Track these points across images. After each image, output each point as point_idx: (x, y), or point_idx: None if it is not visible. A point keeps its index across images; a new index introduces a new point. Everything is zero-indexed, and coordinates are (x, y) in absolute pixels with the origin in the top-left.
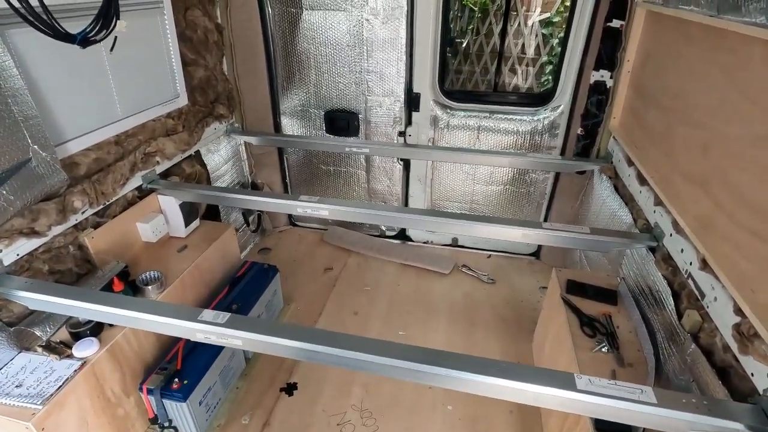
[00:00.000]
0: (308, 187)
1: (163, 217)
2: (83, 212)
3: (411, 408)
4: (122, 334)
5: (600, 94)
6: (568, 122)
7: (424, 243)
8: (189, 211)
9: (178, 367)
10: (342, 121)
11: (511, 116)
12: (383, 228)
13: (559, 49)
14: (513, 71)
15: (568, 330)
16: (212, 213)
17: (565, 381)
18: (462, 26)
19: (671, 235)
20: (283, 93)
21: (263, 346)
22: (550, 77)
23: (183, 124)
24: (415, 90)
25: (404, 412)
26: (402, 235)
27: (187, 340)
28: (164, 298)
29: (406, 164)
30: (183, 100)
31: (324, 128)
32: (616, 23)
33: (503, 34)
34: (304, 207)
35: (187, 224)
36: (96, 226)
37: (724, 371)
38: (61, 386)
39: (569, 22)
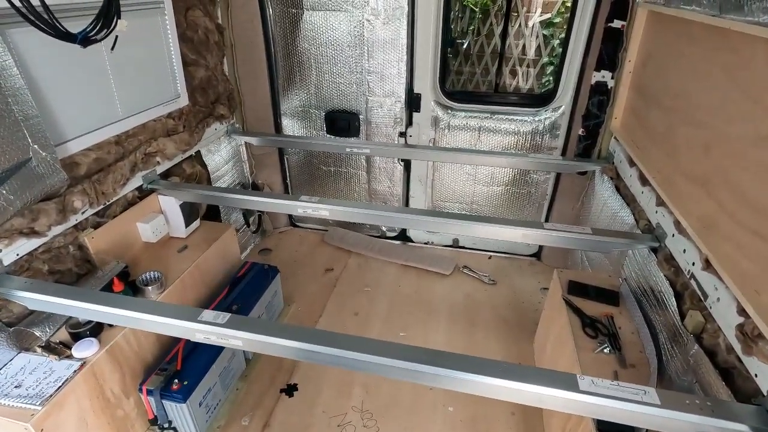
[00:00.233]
0: (309, 187)
1: (163, 217)
2: (83, 212)
3: (411, 409)
4: (122, 335)
5: (601, 95)
6: (569, 123)
7: (425, 244)
8: (189, 212)
9: (178, 368)
10: (343, 122)
11: (512, 117)
12: (384, 229)
13: (560, 49)
14: (514, 72)
15: (569, 331)
16: (213, 213)
17: (568, 382)
18: (463, 27)
19: (673, 235)
20: (283, 93)
21: (263, 347)
22: (551, 78)
23: (183, 124)
24: (416, 90)
25: (405, 413)
26: (403, 236)
27: (187, 341)
28: (164, 298)
29: (407, 165)
30: (184, 101)
31: (325, 129)
32: (617, 23)
33: (504, 35)
34: (305, 207)
35: (187, 224)
36: (96, 226)
37: (727, 372)
38: (60, 387)
39: (570, 22)
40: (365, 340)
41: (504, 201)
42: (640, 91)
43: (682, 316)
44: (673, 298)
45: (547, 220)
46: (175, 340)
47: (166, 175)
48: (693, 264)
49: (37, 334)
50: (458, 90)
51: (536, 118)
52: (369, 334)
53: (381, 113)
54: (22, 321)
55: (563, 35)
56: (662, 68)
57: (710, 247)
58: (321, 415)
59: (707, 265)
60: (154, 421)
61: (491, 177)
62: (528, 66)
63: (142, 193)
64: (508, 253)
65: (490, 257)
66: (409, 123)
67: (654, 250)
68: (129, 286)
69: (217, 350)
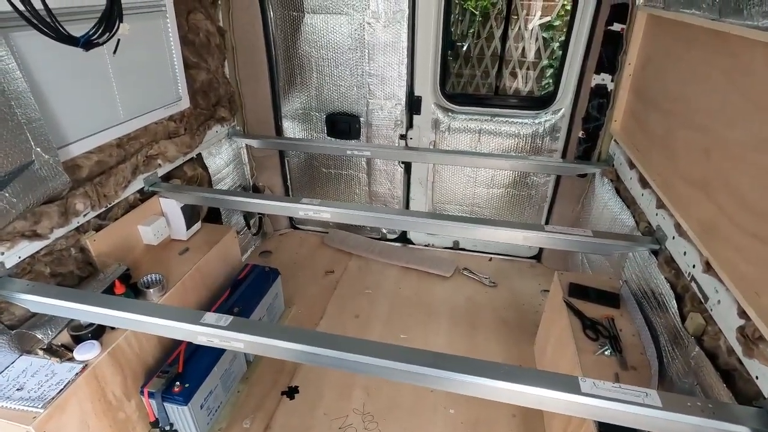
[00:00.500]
0: (309, 189)
1: (164, 219)
2: (85, 215)
3: (412, 411)
4: (124, 337)
5: (601, 98)
6: (569, 125)
7: (425, 246)
8: (190, 214)
9: (179, 371)
10: (343, 124)
11: (512, 119)
12: (384, 231)
13: (560, 52)
14: (514, 75)
15: (570, 333)
16: (213, 216)
17: (569, 384)
18: (463, 30)
19: (674, 238)
20: (284, 96)
21: (265, 349)
22: (550, 80)
23: (185, 127)
24: (417, 93)
25: (406, 415)
26: (403, 238)
27: (189, 344)
28: (166, 301)
29: (407, 167)
30: (185, 103)
31: (325, 131)
32: (617, 27)
33: (504, 37)
34: (306, 210)
35: (188, 227)
36: (98, 228)
37: (728, 374)
38: (62, 389)
39: (570, 25)
40: (366, 343)
41: (504, 203)
42: (639, 94)
43: (683, 319)
44: (674, 301)
45: (547, 223)
46: (177, 343)
47: (167, 177)
48: (693, 266)
49: (39, 336)
50: (458, 93)
51: (536, 121)
52: (370, 337)
53: (381, 116)
54: (24, 324)
55: (563, 38)
56: (662, 71)
57: (710, 250)
58: (322, 417)
59: (708, 268)
60: (155, 424)
61: (491, 179)
62: (528, 68)
63: (144, 196)
64: (508, 256)
65: (490, 259)
66: (410, 125)
67: (654, 253)
68: (130, 288)
69: (218, 353)
